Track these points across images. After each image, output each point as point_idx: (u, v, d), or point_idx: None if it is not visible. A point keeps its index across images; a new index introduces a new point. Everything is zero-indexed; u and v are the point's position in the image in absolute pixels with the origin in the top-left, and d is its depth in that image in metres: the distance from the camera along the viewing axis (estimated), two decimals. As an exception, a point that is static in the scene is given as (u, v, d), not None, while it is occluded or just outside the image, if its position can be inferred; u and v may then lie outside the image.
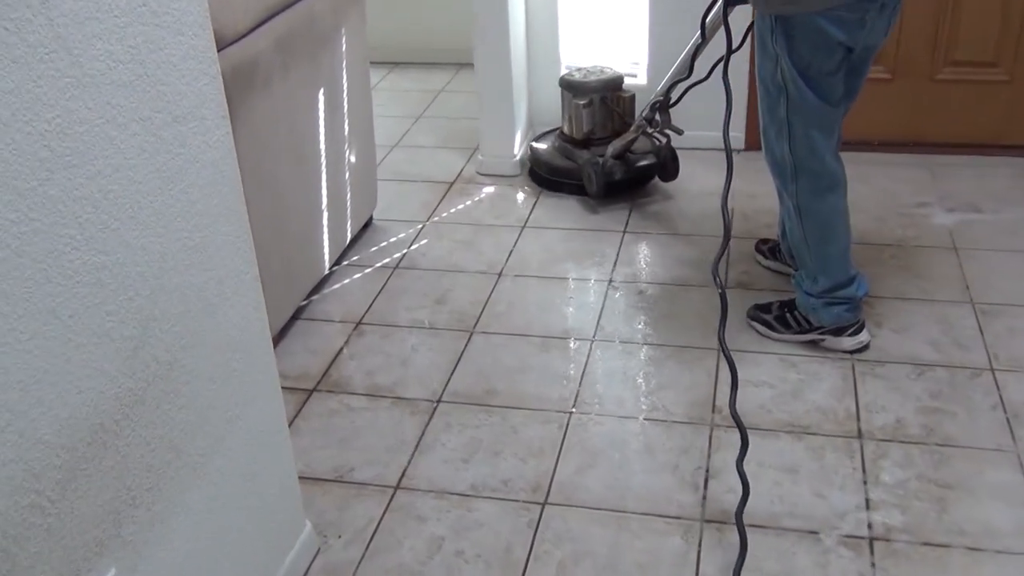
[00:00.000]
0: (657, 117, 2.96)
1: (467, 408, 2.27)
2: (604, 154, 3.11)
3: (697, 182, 3.26)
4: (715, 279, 2.05)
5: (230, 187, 1.40)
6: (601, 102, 3.15)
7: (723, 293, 2.03)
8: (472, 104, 3.62)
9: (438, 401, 2.30)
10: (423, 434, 2.20)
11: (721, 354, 2.38)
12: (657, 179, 3.22)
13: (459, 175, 3.44)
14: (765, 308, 2.48)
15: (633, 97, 3.19)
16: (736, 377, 2.00)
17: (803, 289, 2.38)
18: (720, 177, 3.27)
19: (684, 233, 2.99)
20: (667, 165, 3.16)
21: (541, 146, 3.33)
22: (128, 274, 1.22)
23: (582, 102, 3.13)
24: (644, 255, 2.90)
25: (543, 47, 3.50)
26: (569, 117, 3.20)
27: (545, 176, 3.26)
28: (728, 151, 2.03)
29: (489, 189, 3.34)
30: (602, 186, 3.06)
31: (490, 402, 2.29)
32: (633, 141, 3.10)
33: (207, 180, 1.35)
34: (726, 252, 2.84)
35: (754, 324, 2.48)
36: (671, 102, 2.92)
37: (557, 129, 3.37)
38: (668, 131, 3.01)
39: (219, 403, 1.43)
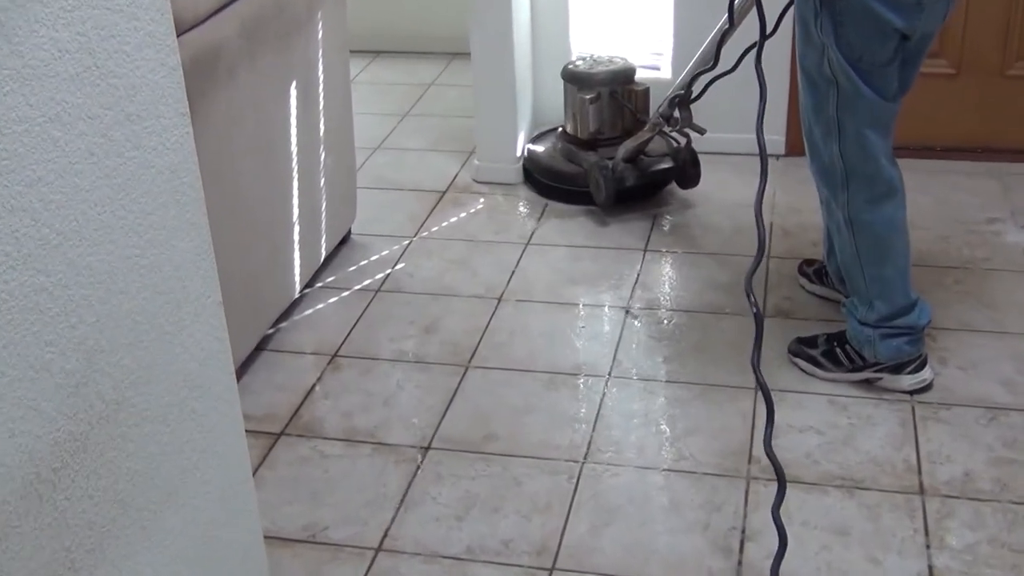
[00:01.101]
0: (676, 114, 2.98)
1: (461, 456, 2.27)
2: (614, 157, 3.12)
3: (729, 192, 3.27)
4: (748, 297, 2.04)
5: (190, 196, 1.40)
6: (610, 97, 3.17)
7: (758, 313, 2.03)
8: (467, 100, 3.64)
9: (427, 448, 2.30)
10: (409, 486, 2.19)
11: (758, 391, 2.38)
12: (674, 186, 3.24)
13: (452, 183, 3.46)
14: (810, 342, 2.48)
15: (647, 91, 3.20)
16: (772, 408, 2.00)
17: (856, 318, 2.39)
18: (754, 186, 3.28)
19: (714, 251, 3.00)
20: (686, 170, 3.18)
21: (540, 148, 3.35)
22: (71, 297, 1.22)
23: (588, 96, 3.14)
24: (668, 277, 2.90)
25: (551, 34, 3.52)
26: (573, 114, 3.21)
27: (545, 182, 3.27)
28: (762, 151, 2.04)
29: (487, 199, 3.35)
30: (612, 194, 3.08)
31: (488, 449, 2.29)
32: (648, 142, 3.11)
33: (164, 188, 1.35)
34: (762, 270, 2.85)
35: (798, 361, 2.48)
36: (692, 96, 2.93)
37: (558, 128, 3.38)
38: (688, 130, 3.03)
39: (173, 449, 1.43)
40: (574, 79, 3.21)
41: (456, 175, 3.50)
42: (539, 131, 3.50)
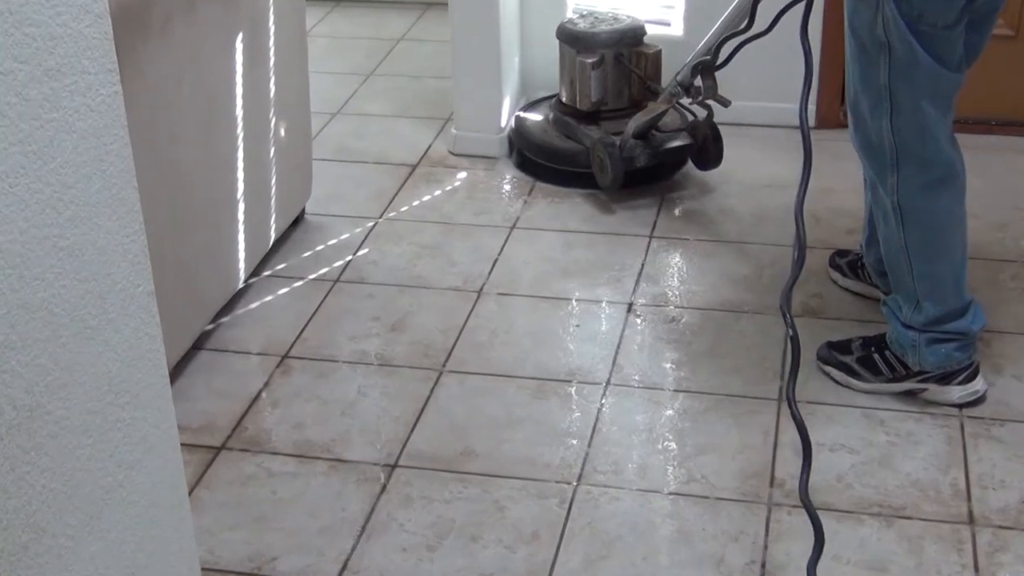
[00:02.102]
0: (699, 83, 2.97)
1: (434, 476, 2.27)
2: (622, 132, 3.11)
3: (750, 170, 3.28)
4: (784, 316, 2.05)
5: (118, 167, 1.39)
6: (615, 61, 3.16)
7: (794, 336, 2.04)
8: (443, 58, 3.63)
9: (394, 465, 2.30)
10: (373, 511, 2.19)
11: (784, 407, 2.39)
12: (690, 166, 3.24)
13: (424, 155, 3.45)
14: (843, 347, 2.49)
15: (659, 54, 3.19)
16: (809, 450, 2.00)
17: (898, 319, 2.39)
18: (782, 164, 3.30)
19: (732, 240, 3.01)
20: (707, 147, 3.17)
21: (530, 120, 3.34)
22: (-24, 285, 1.21)
23: (590, 61, 3.13)
24: (678, 269, 2.90)
25: (542, -18, 3.52)
26: (571, 81, 3.19)
27: (536, 161, 3.26)
28: (806, 137, 2.05)
29: (466, 175, 3.35)
30: (620, 175, 3.07)
31: (465, 468, 2.29)
32: (662, 115, 3.11)
33: (87, 157, 1.34)
34: (784, 264, 2.86)
35: (829, 370, 2.49)
36: (719, 63, 2.92)
37: (552, 97, 3.37)
38: (711, 102, 3.02)
39: (96, 465, 1.42)
40: (573, 40, 3.19)
41: (429, 146, 3.49)
42: (528, 100, 3.49)
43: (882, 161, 2.28)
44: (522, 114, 3.38)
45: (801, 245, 2.05)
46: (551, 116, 3.31)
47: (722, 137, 3.16)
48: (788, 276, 2.12)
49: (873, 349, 2.44)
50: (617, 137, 3.09)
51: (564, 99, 3.27)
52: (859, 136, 2.31)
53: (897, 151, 2.24)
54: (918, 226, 2.30)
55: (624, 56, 3.16)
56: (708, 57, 2.91)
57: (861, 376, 2.43)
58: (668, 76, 3.11)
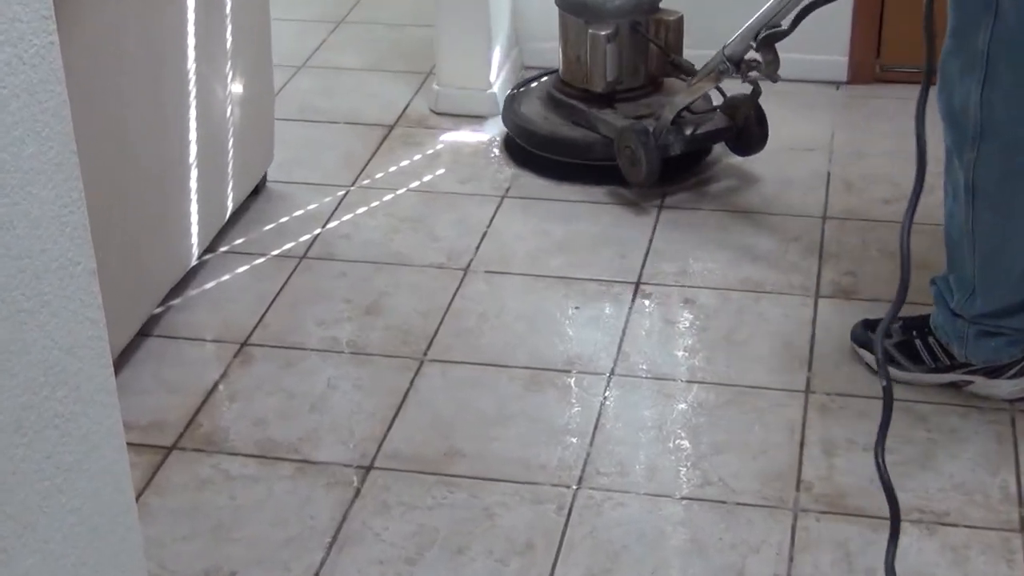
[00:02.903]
0: (759, 58, 2.84)
1: (414, 479, 2.27)
2: (644, 116, 3.03)
3: (774, 130, 3.27)
4: (877, 363, 2.05)
5: (55, 128, 1.39)
6: (631, 31, 3.09)
7: (887, 387, 2.05)
8: (425, 2, 3.62)
9: (369, 467, 2.30)
10: (345, 519, 2.19)
11: (813, 399, 2.40)
12: (723, 150, 3.16)
13: (403, 115, 3.45)
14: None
15: (680, 21, 3.11)
16: (898, 523, 1.98)
17: (948, 305, 2.39)
18: (811, 122, 3.30)
19: (754, 209, 3.01)
20: (749, 130, 3.09)
21: (527, 106, 3.23)
22: None
23: (604, 33, 3.02)
24: (692, 243, 2.91)
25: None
26: (577, 57, 3.10)
27: (541, 154, 3.16)
28: (920, 141, 2.03)
29: (450, 137, 3.34)
30: (656, 168, 2.96)
31: (451, 470, 2.29)
32: (702, 92, 3.03)
33: (20, 116, 1.34)
34: (815, 236, 2.87)
35: (863, 353, 2.50)
36: (784, 31, 2.79)
37: (550, 74, 3.30)
38: (758, 78, 2.94)
39: (31, 467, 1.42)
40: (579, 8, 3.08)
41: (408, 104, 3.49)
42: (524, 79, 3.37)
43: (963, 133, 2.22)
44: (517, 93, 3.29)
45: (905, 266, 2.03)
46: (551, 99, 3.21)
47: (767, 120, 3.08)
48: (886, 313, 2.09)
49: (915, 334, 2.44)
50: (646, 122, 2.99)
51: (567, 79, 3.18)
52: (943, 98, 2.24)
53: (982, 126, 2.18)
54: (990, 211, 2.26)
55: (641, 25, 3.08)
56: (780, 27, 2.77)
57: (899, 364, 2.44)
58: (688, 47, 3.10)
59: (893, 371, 2.44)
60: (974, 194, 2.26)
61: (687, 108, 3.05)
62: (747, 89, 3.03)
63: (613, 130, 3.04)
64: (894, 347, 2.45)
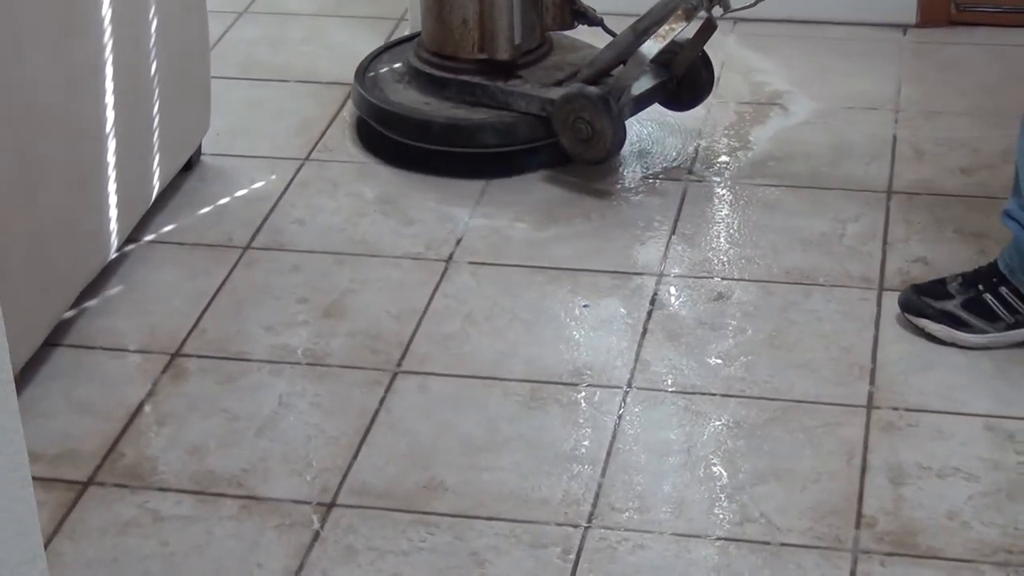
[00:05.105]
0: None
1: (386, 518, 2.27)
2: (556, 83, 3.07)
3: (824, 85, 3.29)
4: None
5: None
6: None
7: None
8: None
9: (330, 504, 2.30)
10: (302, 568, 2.19)
11: (876, 416, 2.40)
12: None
13: (369, 70, 3.45)
14: (936, 291, 2.54)
15: None
16: None
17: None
18: (870, 75, 3.31)
19: (802, 184, 3.01)
20: (693, 78, 3.15)
21: (393, 90, 3.20)
22: None
23: None
24: (725, 225, 2.91)
25: None
26: (463, 21, 3.08)
27: (416, 145, 3.12)
28: None
29: (427, 98, 3.34)
30: (623, 137, 3.02)
31: (431, 507, 2.29)
32: (671, 37, 3.03)
33: None
34: (878, 217, 2.88)
35: (923, 322, 2.53)
36: None
37: (407, 42, 3.30)
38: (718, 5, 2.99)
39: (-86, 506, 1.42)
40: None
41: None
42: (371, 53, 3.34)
43: None
44: (375, 74, 3.25)
45: None
46: (423, 79, 3.18)
47: (711, 62, 3.14)
48: None
49: (982, 288, 2.48)
50: (598, 88, 3.02)
51: (440, 49, 3.16)
52: None
53: None
54: None
55: None
56: None
57: (971, 326, 2.47)
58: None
59: (963, 337, 2.46)
60: None
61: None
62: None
63: (540, 104, 3.04)
64: (960, 308, 2.47)
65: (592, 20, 3.14)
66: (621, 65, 3.06)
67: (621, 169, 3.08)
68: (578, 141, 3.00)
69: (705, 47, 3.10)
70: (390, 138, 3.15)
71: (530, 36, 3.13)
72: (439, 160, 3.12)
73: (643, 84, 3.09)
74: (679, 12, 2.97)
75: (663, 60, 3.10)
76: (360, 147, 3.18)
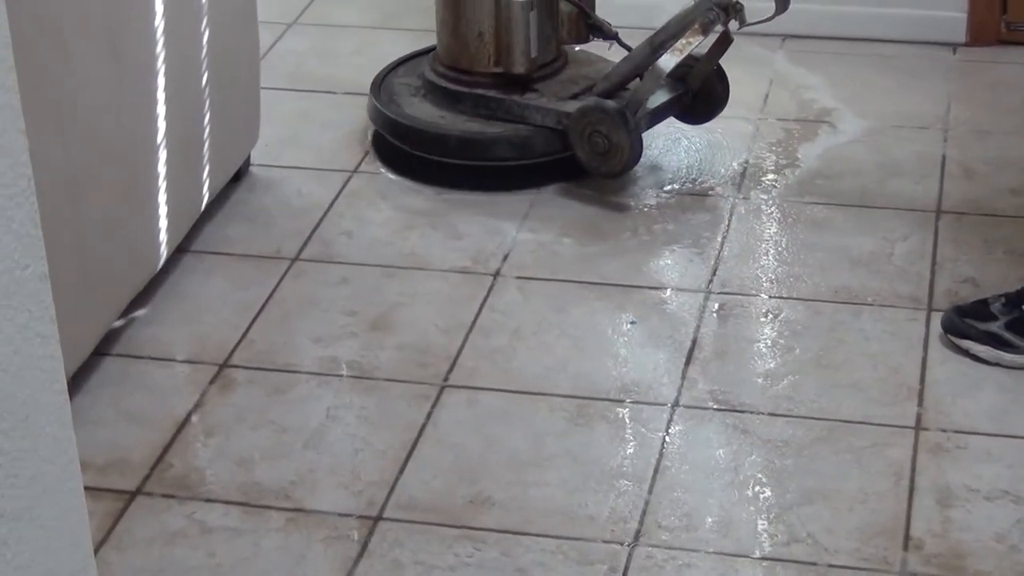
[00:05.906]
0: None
1: (432, 532, 2.27)
2: (573, 96, 3.06)
3: (873, 102, 3.27)
4: None
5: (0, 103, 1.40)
6: None
7: None
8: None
9: (377, 518, 2.31)
10: (348, 581, 2.21)
11: (924, 437, 2.39)
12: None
13: (418, 84, 3.45)
14: (979, 312, 2.53)
15: None
16: None
17: None
18: (919, 94, 3.29)
19: (851, 202, 3.01)
20: (709, 92, 3.15)
21: (408, 103, 3.21)
22: None
23: (521, 0, 3.03)
24: (773, 243, 2.91)
25: None
26: (479, 35, 3.11)
27: (437, 159, 3.13)
28: None
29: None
30: (640, 152, 3.01)
31: (477, 522, 2.29)
32: (689, 51, 3.04)
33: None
34: (926, 237, 2.86)
35: (967, 344, 2.53)
36: None
37: (423, 55, 3.31)
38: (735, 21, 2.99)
39: (-33, 516, 1.43)
40: None
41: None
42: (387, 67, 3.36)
43: None
44: (391, 102, 3.24)
45: None
46: (439, 92, 3.20)
47: (726, 75, 3.14)
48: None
49: None
50: (615, 102, 3.02)
51: (455, 63, 3.17)
52: None
53: None
54: None
55: None
56: None
57: (1015, 346, 2.47)
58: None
59: (1008, 357, 2.46)
60: None
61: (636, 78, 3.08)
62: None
63: (556, 117, 3.05)
64: (1004, 328, 2.47)
65: (607, 34, 3.16)
66: (637, 79, 3.07)
67: (668, 185, 3.07)
68: (594, 154, 3.02)
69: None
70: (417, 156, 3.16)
71: (546, 49, 3.14)
72: (424, 166, 3.15)
73: (659, 97, 3.11)
74: (696, 26, 2.98)
75: (678, 73, 3.10)
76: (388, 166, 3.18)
